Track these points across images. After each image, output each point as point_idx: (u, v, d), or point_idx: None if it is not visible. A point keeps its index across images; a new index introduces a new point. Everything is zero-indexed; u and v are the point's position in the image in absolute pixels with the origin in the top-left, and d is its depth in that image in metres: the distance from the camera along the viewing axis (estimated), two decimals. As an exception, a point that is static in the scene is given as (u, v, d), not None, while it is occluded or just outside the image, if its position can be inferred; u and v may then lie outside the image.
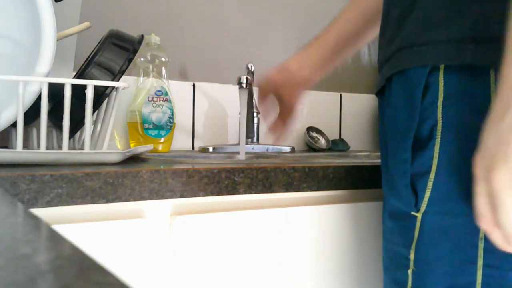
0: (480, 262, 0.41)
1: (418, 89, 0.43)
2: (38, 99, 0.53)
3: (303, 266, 0.57)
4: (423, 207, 0.43)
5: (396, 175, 0.46)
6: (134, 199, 0.47)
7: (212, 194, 0.51)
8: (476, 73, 0.41)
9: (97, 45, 0.64)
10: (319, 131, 1.18)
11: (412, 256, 0.45)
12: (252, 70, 1.04)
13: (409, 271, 0.45)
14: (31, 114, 0.58)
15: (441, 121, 0.42)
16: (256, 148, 1.03)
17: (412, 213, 0.44)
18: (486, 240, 0.40)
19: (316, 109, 1.21)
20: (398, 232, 0.47)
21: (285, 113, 0.71)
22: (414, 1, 0.44)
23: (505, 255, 0.40)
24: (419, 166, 0.43)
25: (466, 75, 0.41)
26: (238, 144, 1.01)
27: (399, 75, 0.45)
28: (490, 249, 0.40)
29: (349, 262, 0.60)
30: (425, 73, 0.43)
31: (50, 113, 0.57)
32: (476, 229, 0.41)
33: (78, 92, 0.54)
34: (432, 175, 0.42)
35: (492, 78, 0.40)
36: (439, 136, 0.42)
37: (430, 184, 0.43)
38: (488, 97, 0.40)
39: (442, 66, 0.42)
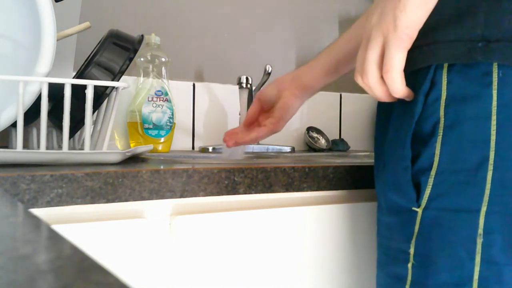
0: (478, 258, 0.42)
1: (423, 87, 0.44)
2: (38, 99, 0.53)
3: (303, 266, 0.57)
4: (423, 202, 0.44)
5: (396, 171, 0.47)
6: (134, 199, 0.47)
7: (212, 194, 0.51)
8: (479, 72, 0.42)
9: (97, 45, 0.64)
10: (319, 131, 1.18)
11: (412, 251, 0.45)
12: (270, 71, 1.04)
13: (409, 265, 0.46)
14: (31, 114, 0.58)
15: (443, 119, 0.43)
16: (256, 148, 1.03)
17: (413, 208, 0.45)
18: (485, 236, 0.42)
19: (316, 109, 1.21)
20: (397, 227, 0.48)
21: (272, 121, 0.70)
22: None
23: (502, 250, 0.41)
24: (421, 162, 0.44)
25: (470, 75, 0.42)
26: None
27: (408, 74, 0.46)
28: (488, 244, 0.42)
29: (349, 262, 0.60)
30: (431, 71, 0.44)
31: (50, 113, 0.57)
32: (474, 225, 0.42)
33: (78, 92, 0.54)
34: (433, 172, 0.44)
35: (495, 79, 0.41)
36: (441, 134, 0.43)
37: (430, 181, 0.44)
38: (490, 96, 0.41)
39: (445, 65, 0.43)
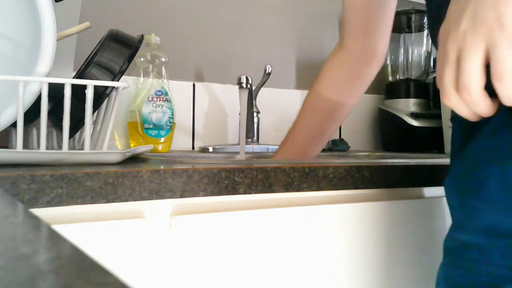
0: None
1: None
2: (38, 99, 0.53)
3: (302, 266, 0.57)
4: None
5: (501, 189, 0.41)
6: (134, 199, 0.47)
7: (212, 194, 0.51)
8: None
9: (97, 45, 0.64)
10: (319, 131, 1.18)
11: None
12: (270, 71, 1.04)
13: None
14: (31, 114, 0.58)
15: None
16: (256, 148, 1.03)
17: None
18: None
19: (316, 109, 1.21)
20: (497, 251, 0.42)
21: None
22: None
23: None
24: None
25: None
26: (238, 144, 1.01)
27: None
28: None
29: (349, 262, 0.60)
30: None
31: (50, 113, 0.57)
32: None
33: (78, 92, 0.54)
34: None
35: None
36: None
37: None
38: None
39: None
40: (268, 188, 0.53)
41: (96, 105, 0.58)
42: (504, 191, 0.41)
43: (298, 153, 0.76)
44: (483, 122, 0.43)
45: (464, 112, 0.40)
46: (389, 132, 1.23)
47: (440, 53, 0.39)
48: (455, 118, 0.48)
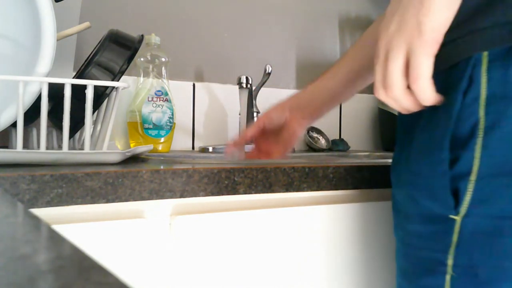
0: None
1: (460, 85, 0.41)
2: (38, 99, 0.53)
3: (302, 266, 0.57)
4: (463, 210, 0.41)
5: (432, 177, 0.44)
6: (134, 199, 0.47)
7: (212, 194, 0.51)
8: None
9: (97, 45, 0.64)
10: (319, 131, 1.18)
11: (450, 262, 0.43)
12: (270, 71, 1.04)
13: (447, 277, 0.43)
14: (31, 114, 0.58)
15: (483, 119, 0.40)
16: (256, 148, 1.03)
17: (451, 216, 0.42)
18: None
19: (316, 109, 1.21)
20: (432, 236, 0.45)
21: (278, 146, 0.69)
22: None
23: None
24: (459, 167, 0.42)
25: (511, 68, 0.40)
26: (238, 144, 1.01)
27: (441, 72, 0.43)
28: None
29: (349, 261, 0.60)
30: (469, 68, 0.41)
31: (50, 113, 0.57)
32: None
33: (78, 92, 0.54)
34: (473, 176, 0.41)
35: None
36: (481, 136, 0.40)
37: (471, 186, 0.41)
38: None
39: (485, 60, 0.41)
40: (268, 188, 0.53)
41: (96, 105, 0.58)
42: (434, 179, 0.44)
43: (339, 82, 0.67)
44: (419, 116, 0.46)
45: (393, 105, 0.44)
46: (389, 132, 1.23)
47: (399, 56, 0.42)
48: (399, 113, 0.51)
